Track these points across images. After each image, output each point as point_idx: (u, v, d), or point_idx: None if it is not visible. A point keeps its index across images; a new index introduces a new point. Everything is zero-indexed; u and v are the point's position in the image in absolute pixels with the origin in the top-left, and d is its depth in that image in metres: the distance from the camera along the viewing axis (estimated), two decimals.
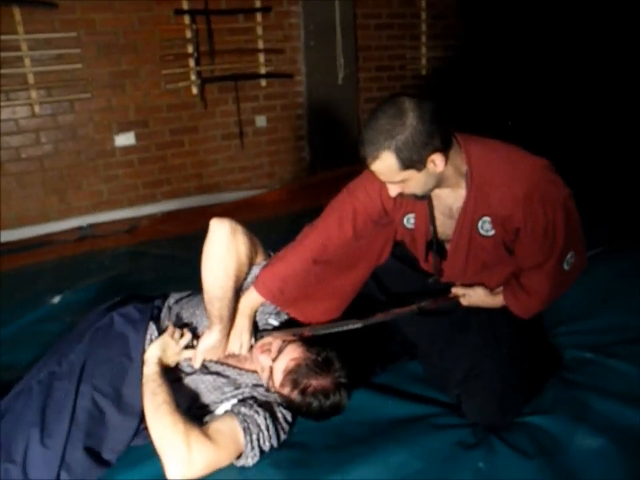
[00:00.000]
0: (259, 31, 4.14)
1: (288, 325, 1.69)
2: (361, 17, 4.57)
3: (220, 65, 4.02)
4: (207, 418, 1.47)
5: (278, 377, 1.47)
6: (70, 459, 1.30)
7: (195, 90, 3.98)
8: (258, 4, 4.11)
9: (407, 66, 4.88)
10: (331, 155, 4.57)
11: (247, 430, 1.37)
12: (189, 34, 3.85)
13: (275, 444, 1.43)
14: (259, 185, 4.40)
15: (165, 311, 1.67)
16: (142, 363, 1.48)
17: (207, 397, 1.49)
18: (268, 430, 1.41)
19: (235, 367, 1.57)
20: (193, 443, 1.30)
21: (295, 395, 1.44)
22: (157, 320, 1.62)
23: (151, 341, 1.55)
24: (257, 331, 1.64)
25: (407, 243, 1.76)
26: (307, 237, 1.68)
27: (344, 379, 1.47)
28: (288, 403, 1.48)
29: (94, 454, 1.34)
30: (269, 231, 3.47)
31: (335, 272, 1.71)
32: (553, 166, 1.51)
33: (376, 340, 1.79)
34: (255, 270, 1.64)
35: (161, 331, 1.58)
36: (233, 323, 1.58)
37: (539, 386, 1.68)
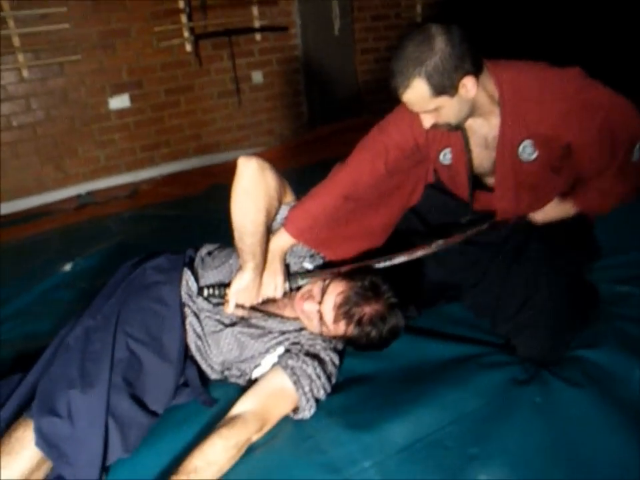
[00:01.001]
0: None
1: (323, 268, 1.64)
2: None
3: (213, 20, 3.87)
4: (255, 372, 1.44)
5: (329, 317, 1.41)
6: (115, 406, 1.25)
7: (188, 47, 3.84)
8: None
9: (402, 14, 4.75)
10: (330, 109, 4.47)
11: (297, 383, 1.34)
12: None
13: (329, 389, 1.39)
14: (258, 143, 4.30)
15: (197, 260, 1.61)
16: (179, 308, 1.45)
17: (251, 348, 1.44)
18: (320, 378, 1.37)
19: (276, 315, 1.52)
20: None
21: (352, 329, 1.39)
22: (190, 266, 1.57)
23: (187, 285, 1.50)
24: (290, 274, 1.59)
25: (446, 181, 1.70)
26: (337, 174, 1.63)
27: (394, 298, 1.41)
28: (346, 340, 1.43)
29: (139, 402, 1.30)
30: None
31: (366, 210, 1.66)
32: (585, 72, 1.44)
33: (409, 281, 1.74)
34: (284, 210, 1.59)
35: (196, 277, 1.53)
36: (265, 265, 1.53)
37: (586, 320, 1.65)
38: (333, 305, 1.40)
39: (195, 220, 3.02)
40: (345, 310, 1.38)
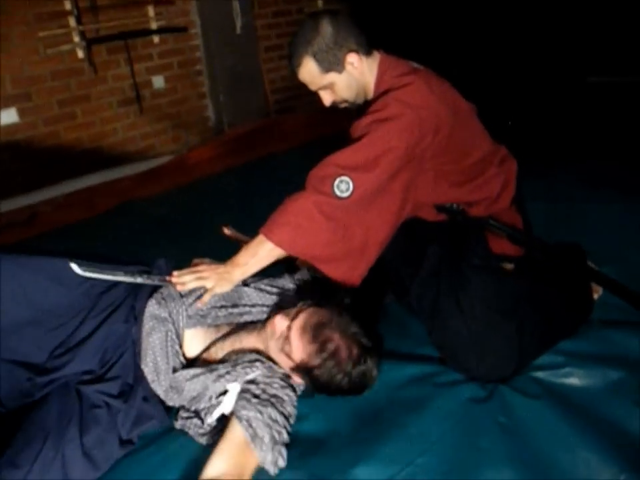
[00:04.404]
0: None
1: None
2: None
3: (105, 22, 3.59)
4: (215, 414, 1.34)
5: (296, 334, 1.30)
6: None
7: (80, 53, 3.53)
8: None
9: (304, 9, 4.65)
10: (236, 111, 4.32)
11: (255, 440, 1.22)
12: None
13: (290, 429, 1.30)
14: (164, 151, 4.07)
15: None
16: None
17: (212, 389, 1.35)
18: (277, 422, 1.27)
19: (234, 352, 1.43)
20: None
21: (316, 355, 1.26)
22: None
23: None
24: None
25: None
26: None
27: (368, 343, 1.30)
28: (308, 376, 1.29)
29: None
30: (186, 200, 3.24)
31: None
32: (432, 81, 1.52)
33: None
34: None
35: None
36: None
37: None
38: (304, 323, 1.30)
39: (106, 245, 2.78)
40: (314, 332, 1.28)
